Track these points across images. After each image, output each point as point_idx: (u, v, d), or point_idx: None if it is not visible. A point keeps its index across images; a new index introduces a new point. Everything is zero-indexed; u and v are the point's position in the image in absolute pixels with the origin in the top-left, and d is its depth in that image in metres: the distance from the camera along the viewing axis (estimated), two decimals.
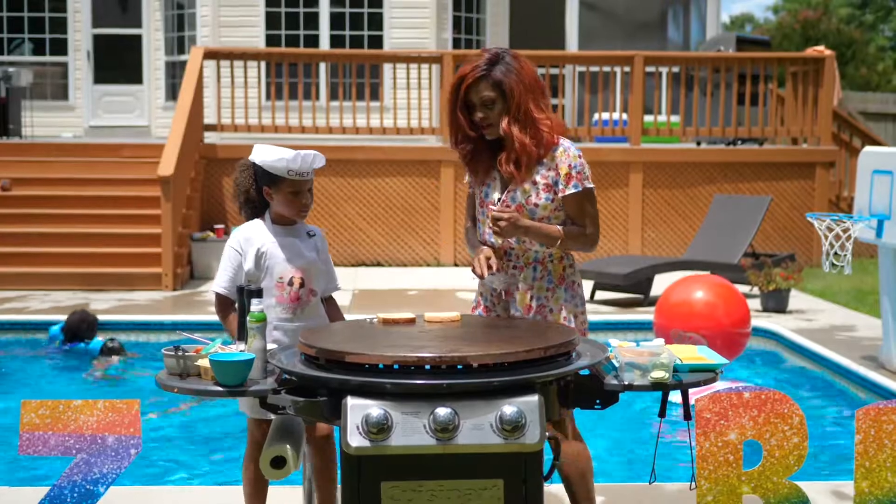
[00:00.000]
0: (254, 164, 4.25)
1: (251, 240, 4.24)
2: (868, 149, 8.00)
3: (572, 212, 4.18)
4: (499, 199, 4.18)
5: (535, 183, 4.14)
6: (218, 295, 4.24)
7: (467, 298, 11.24)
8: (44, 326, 9.67)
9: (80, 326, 9.11)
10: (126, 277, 11.95)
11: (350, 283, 12.39)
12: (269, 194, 4.25)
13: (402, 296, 11.46)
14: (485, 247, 4.24)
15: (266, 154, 4.20)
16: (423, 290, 11.79)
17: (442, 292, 11.78)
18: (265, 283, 4.17)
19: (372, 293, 11.68)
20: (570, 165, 4.14)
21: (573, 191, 4.15)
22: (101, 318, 9.59)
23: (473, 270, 4.18)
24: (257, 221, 4.31)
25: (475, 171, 4.28)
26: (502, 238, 4.11)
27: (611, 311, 10.59)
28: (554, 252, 4.19)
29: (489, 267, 4.13)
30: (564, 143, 4.19)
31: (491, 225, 4.07)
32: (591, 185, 4.20)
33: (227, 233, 13.39)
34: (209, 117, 14.55)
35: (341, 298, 10.89)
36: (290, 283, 4.19)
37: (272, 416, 4.04)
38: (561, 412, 3.51)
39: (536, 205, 4.14)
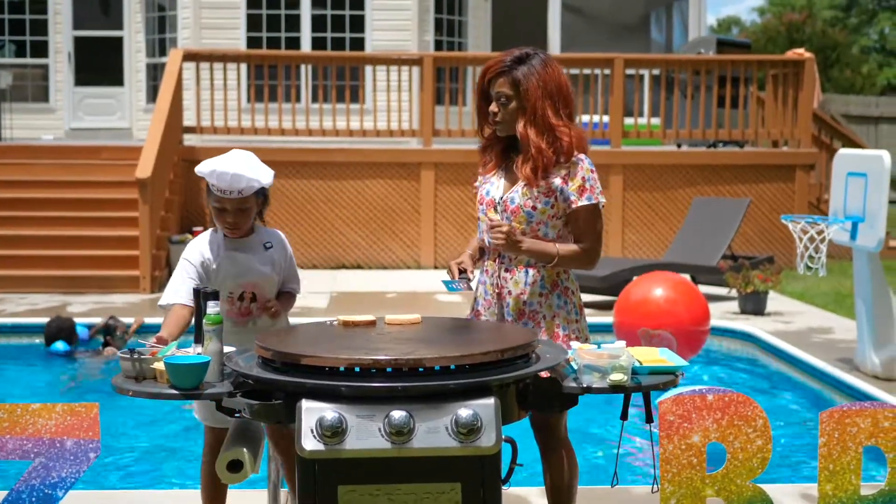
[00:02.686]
0: None
1: (203, 253, 4.17)
2: (843, 151, 8.00)
3: (579, 225, 4.08)
4: (500, 199, 4.12)
5: (538, 186, 4.05)
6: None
7: (447, 301, 11.21)
8: (20, 330, 9.66)
9: (59, 335, 9.20)
10: (104, 280, 11.90)
11: (329, 285, 12.36)
12: (209, 203, 4.19)
13: (381, 298, 11.43)
14: (466, 251, 4.24)
15: (203, 163, 4.10)
16: (403, 293, 11.76)
17: (421, 295, 11.75)
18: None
19: (351, 296, 11.65)
20: (583, 178, 4.04)
21: (586, 203, 4.04)
22: (78, 320, 9.56)
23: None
24: (211, 233, 4.25)
25: (485, 163, 4.24)
26: (503, 251, 4.04)
27: (589, 313, 10.49)
28: None
29: (461, 271, 4.10)
30: (582, 155, 4.08)
31: (491, 235, 3.99)
32: (604, 200, 4.11)
33: None
34: (189, 119, 14.51)
35: (320, 301, 10.94)
36: (241, 299, 4.12)
37: (227, 425, 4.01)
38: (521, 414, 3.49)
39: (535, 208, 4.05)
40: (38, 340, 9.31)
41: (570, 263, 4.08)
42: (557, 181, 4.03)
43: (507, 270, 4.11)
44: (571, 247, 4.07)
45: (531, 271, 4.08)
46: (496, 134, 4.16)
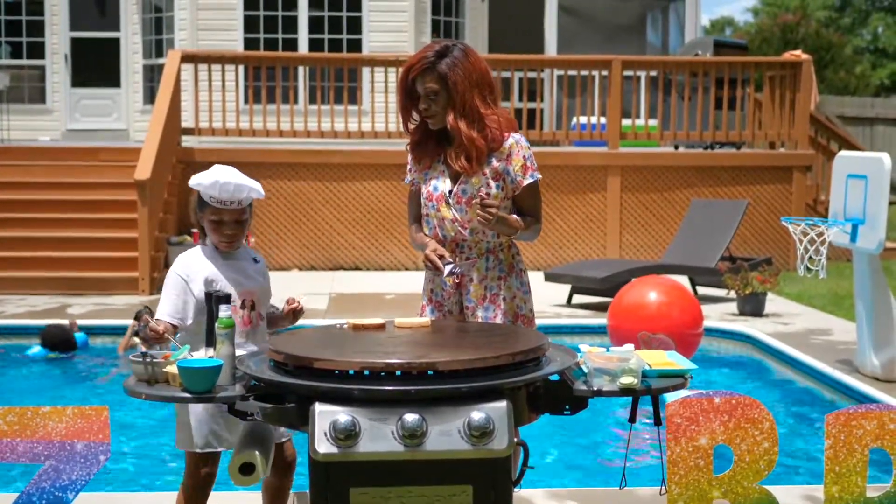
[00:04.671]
0: None
1: (197, 266, 4.08)
2: (843, 153, 8.03)
3: (528, 202, 4.27)
4: (450, 192, 4.21)
5: (484, 174, 4.19)
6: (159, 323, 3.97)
7: None
8: (19, 331, 9.65)
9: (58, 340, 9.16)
10: (103, 282, 11.90)
11: (327, 286, 12.37)
12: (200, 217, 4.11)
13: (379, 300, 11.44)
14: (429, 241, 4.27)
15: (198, 176, 4.02)
16: (401, 294, 11.76)
17: (420, 297, 11.73)
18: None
19: (349, 297, 11.66)
20: (524, 157, 4.22)
21: (531, 180, 4.23)
22: (77, 322, 9.55)
23: (428, 267, 4.21)
24: (201, 247, 4.16)
25: (419, 159, 4.33)
26: (489, 228, 4.12)
27: (587, 314, 10.60)
28: (504, 241, 4.27)
29: (441, 257, 4.16)
30: (515, 135, 4.25)
31: (480, 214, 4.04)
32: (540, 175, 4.30)
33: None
34: (187, 121, 14.52)
35: (319, 302, 10.95)
36: (244, 307, 4.05)
37: (210, 449, 4.01)
38: (531, 417, 3.51)
39: (488, 194, 4.18)
40: (37, 341, 9.29)
41: (527, 234, 4.26)
42: (499, 164, 4.20)
43: (467, 259, 4.24)
44: (527, 219, 4.25)
45: (490, 257, 4.25)
46: (427, 128, 4.24)
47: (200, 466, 4.08)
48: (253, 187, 4.04)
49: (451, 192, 4.22)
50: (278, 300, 4.30)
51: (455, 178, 4.24)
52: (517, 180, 4.21)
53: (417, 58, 4.16)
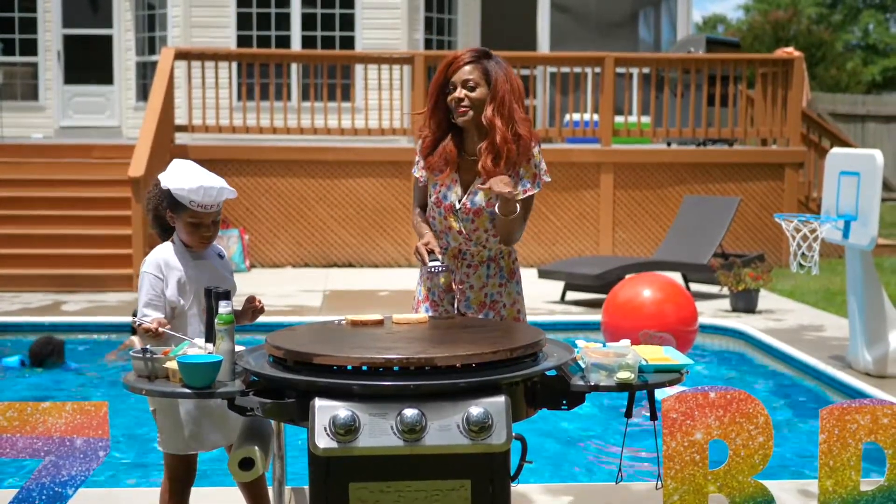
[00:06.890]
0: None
1: (170, 265, 4.05)
2: (835, 150, 8.06)
3: (521, 203, 4.18)
4: (459, 201, 4.19)
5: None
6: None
7: None
8: (13, 328, 9.65)
9: (45, 349, 8.60)
10: (97, 279, 11.90)
11: (321, 283, 12.39)
12: (171, 218, 4.07)
13: (373, 297, 11.46)
14: (427, 233, 4.25)
15: (172, 178, 3.98)
16: (395, 291, 11.79)
17: (413, 293, 11.74)
18: (192, 311, 4.01)
19: (343, 294, 11.68)
20: (535, 165, 4.20)
21: (536, 190, 4.22)
22: (71, 319, 9.53)
23: (418, 259, 4.19)
24: (169, 245, 4.12)
25: (433, 163, 4.25)
26: (509, 213, 4.05)
27: (581, 311, 10.62)
28: (504, 248, 4.25)
29: (430, 252, 4.14)
30: (535, 147, 4.23)
31: (506, 194, 3.96)
32: (548, 178, 4.28)
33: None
34: (180, 118, 14.51)
35: (313, 300, 10.96)
36: None
37: (191, 451, 4.01)
38: (529, 412, 3.53)
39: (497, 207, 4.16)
40: (32, 337, 9.24)
41: (519, 222, 4.12)
42: (516, 171, 4.15)
43: (469, 266, 4.24)
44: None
45: (492, 265, 4.25)
46: (451, 135, 4.20)
47: (181, 466, 4.10)
48: (229, 188, 4.04)
49: (460, 201, 4.19)
50: (271, 297, 4.31)
51: (465, 189, 4.21)
52: (526, 188, 4.18)
53: (460, 52, 4.18)
